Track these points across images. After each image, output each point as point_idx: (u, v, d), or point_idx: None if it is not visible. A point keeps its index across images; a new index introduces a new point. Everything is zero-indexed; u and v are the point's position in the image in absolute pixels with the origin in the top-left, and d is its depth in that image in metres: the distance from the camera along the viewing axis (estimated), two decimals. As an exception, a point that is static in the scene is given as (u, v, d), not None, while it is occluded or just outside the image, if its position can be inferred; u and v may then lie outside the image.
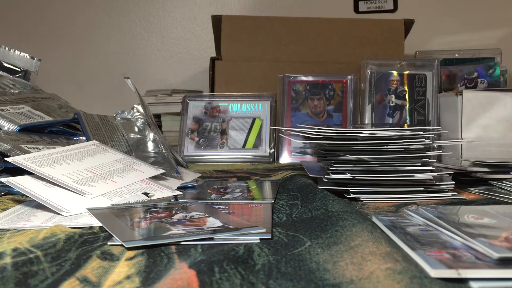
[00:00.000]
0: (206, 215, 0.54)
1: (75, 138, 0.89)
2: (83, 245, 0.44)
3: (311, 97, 1.23)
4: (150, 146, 0.90)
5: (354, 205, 0.63)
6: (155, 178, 0.75)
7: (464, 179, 0.80)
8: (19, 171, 0.65)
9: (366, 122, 1.15)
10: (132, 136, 0.91)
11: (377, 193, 0.68)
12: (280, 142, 1.20)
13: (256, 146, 1.20)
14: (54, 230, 0.46)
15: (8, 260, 0.37)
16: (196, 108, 1.25)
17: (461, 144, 0.91)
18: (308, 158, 1.05)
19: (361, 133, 0.69)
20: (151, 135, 0.91)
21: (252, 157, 1.18)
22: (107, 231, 0.48)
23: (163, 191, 0.69)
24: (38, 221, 0.53)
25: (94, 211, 0.56)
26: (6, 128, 0.81)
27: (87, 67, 1.76)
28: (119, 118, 0.95)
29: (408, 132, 0.70)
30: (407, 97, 1.15)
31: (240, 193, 0.71)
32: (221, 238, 0.45)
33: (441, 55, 1.29)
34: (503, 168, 0.80)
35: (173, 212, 0.56)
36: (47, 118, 0.91)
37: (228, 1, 1.73)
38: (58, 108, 1.00)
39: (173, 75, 1.76)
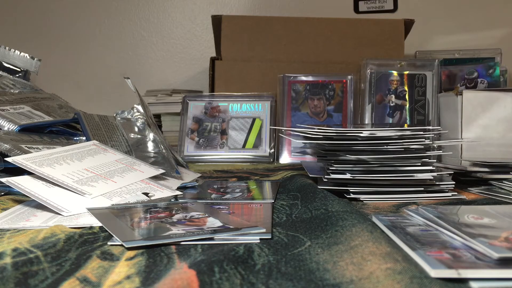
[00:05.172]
0: (206, 215, 0.54)
1: (75, 138, 0.89)
2: (83, 245, 0.44)
3: (311, 97, 1.23)
4: (150, 146, 0.90)
5: (354, 205, 0.63)
6: (155, 178, 0.75)
7: (464, 179, 0.80)
8: (19, 171, 0.65)
9: (366, 122, 1.15)
10: (132, 136, 0.91)
11: (377, 193, 0.68)
12: (280, 142, 1.19)
13: (256, 146, 1.20)
14: (54, 230, 0.46)
15: (8, 260, 0.37)
16: (196, 108, 1.25)
17: (461, 144, 0.91)
18: (308, 158, 1.05)
19: (361, 133, 0.69)
20: (151, 135, 0.91)
21: (252, 157, 1.18)
22: (107, 231, 0.48)
23: (163, 191, 0.69)
24: (38, 221, 0.53)
25: (94, 211, 0.56)
26: (6, 128, 0.81)
27: (87, 67, 1.76)
28: (119, 118, 0.95)
29: (408, 132, 0.70)
30: (407, 97, 1.15)
31: (240, 193, 0.71)
32: (221, 238, 0.45)
33: (441, 55, 1.29)
34: (503, 168, 0.80)
35: (173, 212, 0.56)
36: (47, 118, 0.91)
37: (228, 1, 1.73)
38: (58, 108, 1.00)
39: (173, 75, 1.76)
